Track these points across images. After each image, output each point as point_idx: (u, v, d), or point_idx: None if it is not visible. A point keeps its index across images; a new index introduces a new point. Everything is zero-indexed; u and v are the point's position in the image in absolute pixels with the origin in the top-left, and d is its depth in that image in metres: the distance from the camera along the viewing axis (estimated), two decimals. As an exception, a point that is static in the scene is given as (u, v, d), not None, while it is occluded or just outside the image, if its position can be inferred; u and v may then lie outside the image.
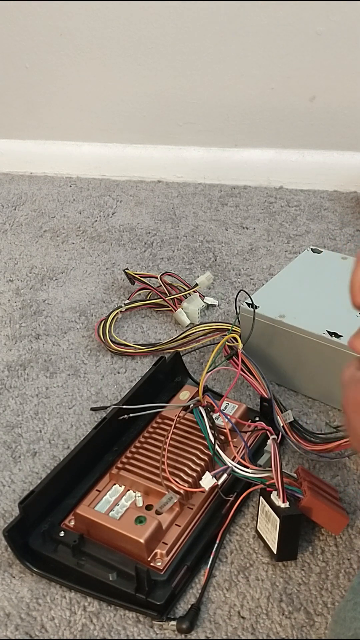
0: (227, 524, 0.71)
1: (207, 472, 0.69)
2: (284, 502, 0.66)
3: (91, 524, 0.68)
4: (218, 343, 0.82)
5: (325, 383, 0.86)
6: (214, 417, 0.76)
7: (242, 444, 0.74)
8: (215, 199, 1.49)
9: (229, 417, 0.77)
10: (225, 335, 0.89)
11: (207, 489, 0.69)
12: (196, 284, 1.09)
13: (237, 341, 0.85)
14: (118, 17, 1.46)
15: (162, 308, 1.09)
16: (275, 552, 0.67)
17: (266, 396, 0.81)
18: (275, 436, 0.71)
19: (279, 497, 0.66)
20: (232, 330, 0.91)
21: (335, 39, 1.38)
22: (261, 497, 0.68)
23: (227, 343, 0.91)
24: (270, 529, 0.67)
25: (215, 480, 0.68)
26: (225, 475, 0.68)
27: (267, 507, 0.67)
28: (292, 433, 0.79)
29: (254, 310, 0.87)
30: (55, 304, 1.14)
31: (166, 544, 0.67)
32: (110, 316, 1.04)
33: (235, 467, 0.70)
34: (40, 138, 1.67)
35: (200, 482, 0.69)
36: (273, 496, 0.67)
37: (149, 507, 0.70)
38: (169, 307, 1.07)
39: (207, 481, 0.69)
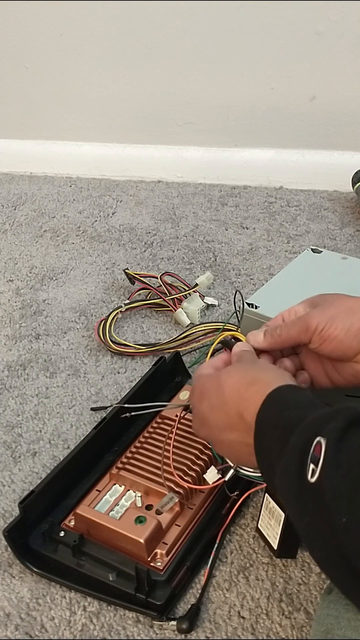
0: (227, 524, 0.71)
1: (212, 467, 0.69)
2: None
3: (91, 524, 0.68)
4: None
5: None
6: None
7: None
8: (215, 199, 1.49)
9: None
10: (222, 333, 0.89)
11: (210, 483, 0.68)
12: (196, 284, 1.09)
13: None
14: (118, 17, 1.46)
15: (162, 308, 1.09)
16: (276, 548, 0.67)
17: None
18: None
19: None
20: (224, 329, 0.91)
21: (335, 39, 1.38)
22: (266, 494, 0.68)
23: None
24: (273, 525, 0.67)
25: (219, 476, 0.68)
26: (232, 472, 0.68)
27: (272, 504, 0.67)
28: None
29: (243, 307, 0.87)
30: (55, 304, 1.14)
31: (166, 544, 0.67)
32: (110, 316, 1.04)
33: (238, 466, 0.69)
34: (40, 138, 1.67)
35: (205, 475, 0.69)
36: None
37: (149, 507, 0.70)
38: (169, 307, 1.07)
39: (212, 476, 0.68)
